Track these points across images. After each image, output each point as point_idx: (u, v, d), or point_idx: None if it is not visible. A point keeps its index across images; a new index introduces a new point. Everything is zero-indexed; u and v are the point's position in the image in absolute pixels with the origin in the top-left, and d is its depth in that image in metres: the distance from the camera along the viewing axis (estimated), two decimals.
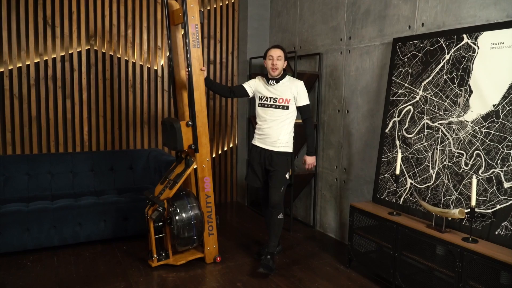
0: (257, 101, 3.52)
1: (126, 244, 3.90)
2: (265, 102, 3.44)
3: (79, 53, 4.43)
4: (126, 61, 4.67)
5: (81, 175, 4.30)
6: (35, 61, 4.24)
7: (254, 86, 3.54)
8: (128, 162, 4.53)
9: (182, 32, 3.42)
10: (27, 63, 4.21)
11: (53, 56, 4.31)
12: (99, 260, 3.54)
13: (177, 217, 3.31)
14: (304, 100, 3.41)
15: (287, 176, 3.46)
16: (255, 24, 5.15)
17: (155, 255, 3.40)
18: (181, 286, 3.13)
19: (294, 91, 3.36)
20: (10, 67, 4.13)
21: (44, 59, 4.27)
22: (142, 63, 4.75)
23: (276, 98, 3.39)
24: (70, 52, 4.38)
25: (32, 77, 4.24)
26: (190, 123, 3.36)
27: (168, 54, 4.85)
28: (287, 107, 3.38)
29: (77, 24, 4.39)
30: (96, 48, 4.50)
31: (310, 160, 3.52)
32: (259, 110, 3.49)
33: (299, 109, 3.43)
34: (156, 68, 4.83)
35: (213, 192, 3.54)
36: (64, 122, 4.42)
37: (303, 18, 4.59)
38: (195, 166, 3.45)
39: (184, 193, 3.46)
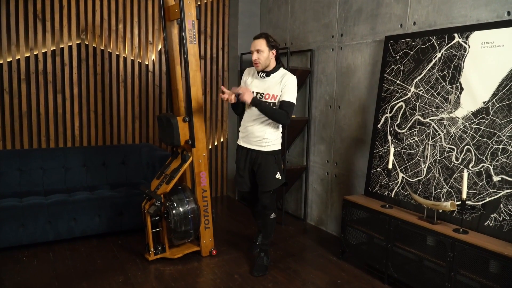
0: None
1: (121, 238, 3.92)
2: None
3: (70, 47, 4.40)
4: (117, 56, 4.66)
5: (73, 170, 4.29)
6: (26, 55, 4.19)
7: (245, 84, 3.26)
8: (120, 157, 4.53)
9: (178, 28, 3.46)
10: (18, 57, 4.16)
11: (43, 51, 4.27)
12: (95, 255, 3.56)
13: (174, 211, 3.35)
14: (288, 95, 3.03)
15: (278, 176, 3.17)
16: (245, 20, 5.19)
17: (152, 249, 3.43)
18: (179, 279, 3.18)
19: (282, 85, 3.06)
20: (0, 62, 4.08)
21: (35, 53, 4.23)
22: (133, 58, 4.75)
23: (263, 94, 3.10)
24: (61, 46, 4.35)
25: (23, 71, 4.19)
26: (186, 118, 3.40)
27: (159, 48, 4.86)
28: (274, 104, 3.08)
29: (68, 18, 4.36)
30: (87, 42, 4.48)
31: (248, 93, 2.96)
32: (245, 106, 3.24)
33: (280, 103, 3.05)
34: (147, 63, 4.83)
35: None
36: (55, 117, 4.39)
37: (294, 15, 4.66)
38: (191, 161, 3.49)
39: (181, 188, 3.50)
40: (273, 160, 3.18)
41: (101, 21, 4.53)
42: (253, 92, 3.12)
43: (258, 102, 3.00)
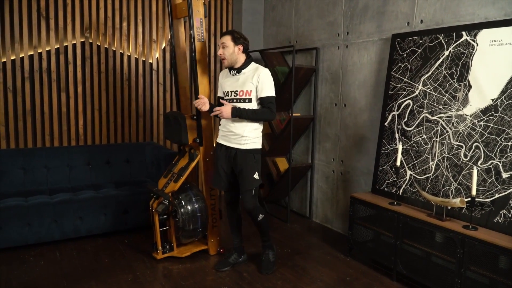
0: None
1: (127, 237, 3.91)
2: (227, 97, 3.17)
3: (74, 45, 4.38)
4: (121, 54, 4.64)
5: (77, 169, 4.27)
6: (29, 53, 4.17)
7: (221, 86, 3.29)
8: (124, 155, 4.52)
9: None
10: (21, 55, 4.14)
11: (47, 49, 4.25)
12: (102, 253, 3.55)
13: (182, 210, 3.34)
14: (267, 91, 3.04)
15: (256, 176, 3.12)
16: (249, 17, 5.19)
17: (160, 248, 3.43)
18: (188, 277, 3.18)
19: (255, 81, 3.04)
20: (3, 60, 4.06)
21: (39, 51, 4.21)
22: (137, 56, 4.73)
23: (237, 91, 3.10)
24: (65, 44, 4.33)
25: (27, 70, 4.17)
26: (195, 116, 3.39)
27: (163, 47, 4.85)
28: (250, 100, 3.08)
29: (72, 16, 4.34)
30: (91, 40, 4.46)
31: (226, 110, 3.02)
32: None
33: (260, 100, 3.07)
34: (151, 61, 4.82)
35: None
36: (59, 116, 4.37)
37: (299, 12, 4.66)
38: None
39: (188, 186, 3.50)
40: (252, 159, 3.12)
41: (105, 19, 4.51)
42: (227, 92, 3.17)
43: (238, 113, 3.03)
